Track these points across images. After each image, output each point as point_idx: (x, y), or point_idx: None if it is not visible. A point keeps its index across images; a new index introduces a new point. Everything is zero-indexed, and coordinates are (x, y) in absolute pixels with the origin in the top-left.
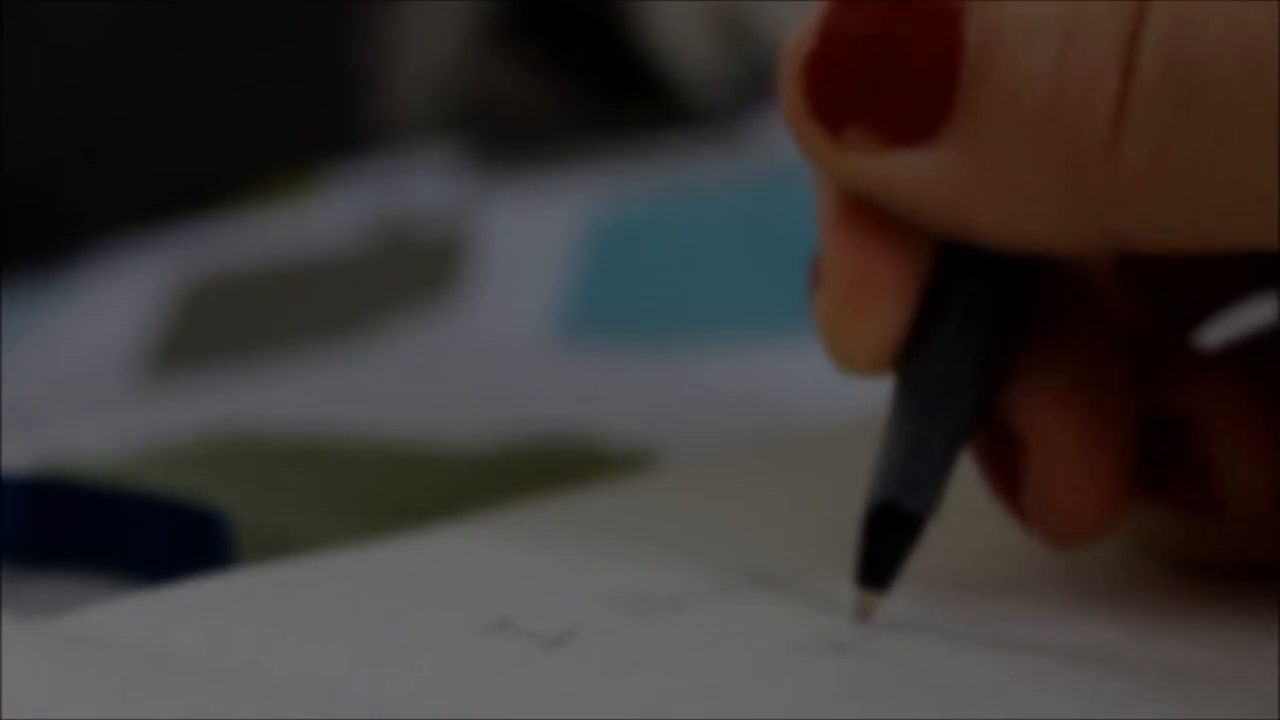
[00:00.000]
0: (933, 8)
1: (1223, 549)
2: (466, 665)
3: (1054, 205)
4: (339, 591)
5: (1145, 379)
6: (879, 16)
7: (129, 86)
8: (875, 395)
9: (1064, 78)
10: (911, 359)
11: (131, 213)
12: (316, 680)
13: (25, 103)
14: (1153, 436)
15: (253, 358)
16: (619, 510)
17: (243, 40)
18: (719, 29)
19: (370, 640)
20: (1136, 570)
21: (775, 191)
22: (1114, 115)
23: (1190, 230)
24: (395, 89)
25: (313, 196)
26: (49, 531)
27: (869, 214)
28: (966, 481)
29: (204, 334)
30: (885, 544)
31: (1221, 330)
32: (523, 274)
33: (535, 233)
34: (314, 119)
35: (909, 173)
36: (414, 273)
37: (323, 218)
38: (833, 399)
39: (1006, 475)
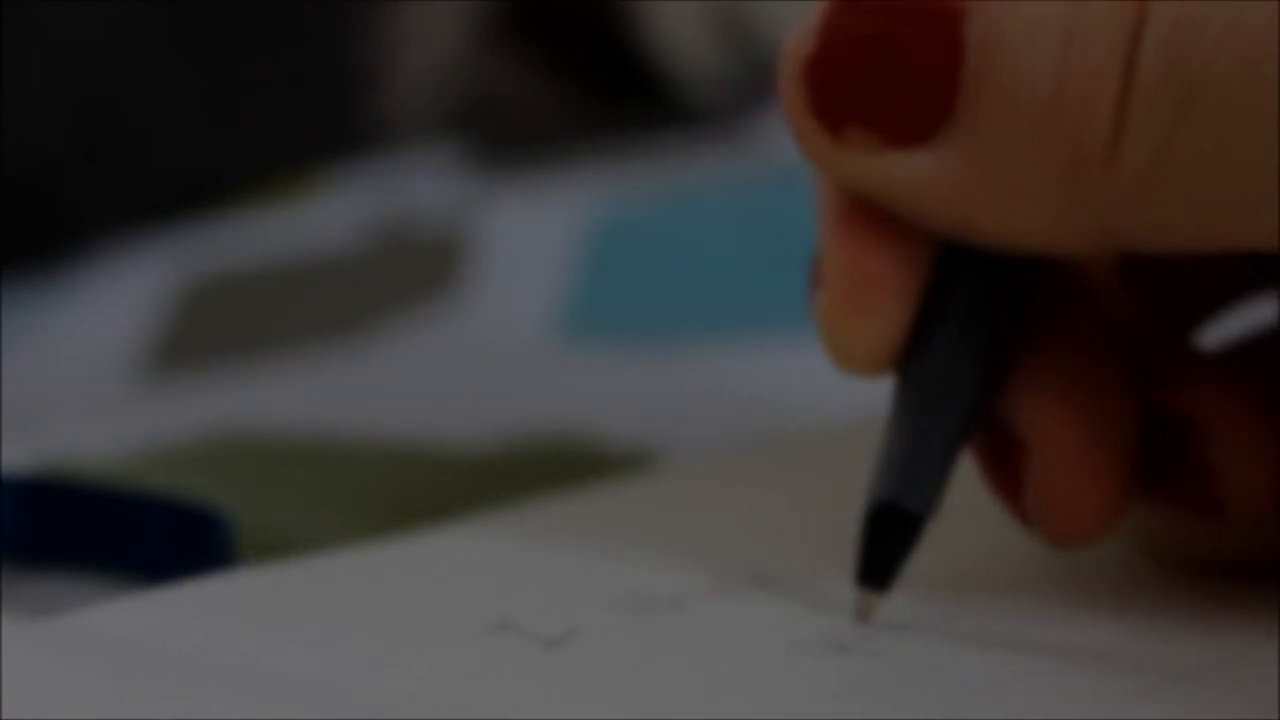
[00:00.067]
0: (933, 8)
1: (1223, 549)
2: (466, 665)
3: (1054, 206)
4: (339, 591)
5: (1145, 379)
6: (879, 17)
7: (129, 86)
8: (875, 395)
9: (1064, 78)
10: (912, 359)
11: (131, 213)
12: (316, 680)
13: (25, 103)
14: (1153, 437)
15: (253, 358)
16: (619, 510)
17: (243, 40)
18: (719, 29)
19: (370, 640)
20: (1136, 570)
21: (775, 191)
22: (1114, 116)
23: (1190, 230)
24: (395, 89)
25: (313, 196)
26: (49, 531)
27: (869, 214)
28: (966, 481)
29: (204, 334)
30: (885, 544)
31: (1222, 330)
32: (523, 274)
33: (535, 233)
34: (314, 119)
35: (909, 173)
36: (414, 273)
37: (323, 218)
38: (833, 399)
39: (1007, 475)
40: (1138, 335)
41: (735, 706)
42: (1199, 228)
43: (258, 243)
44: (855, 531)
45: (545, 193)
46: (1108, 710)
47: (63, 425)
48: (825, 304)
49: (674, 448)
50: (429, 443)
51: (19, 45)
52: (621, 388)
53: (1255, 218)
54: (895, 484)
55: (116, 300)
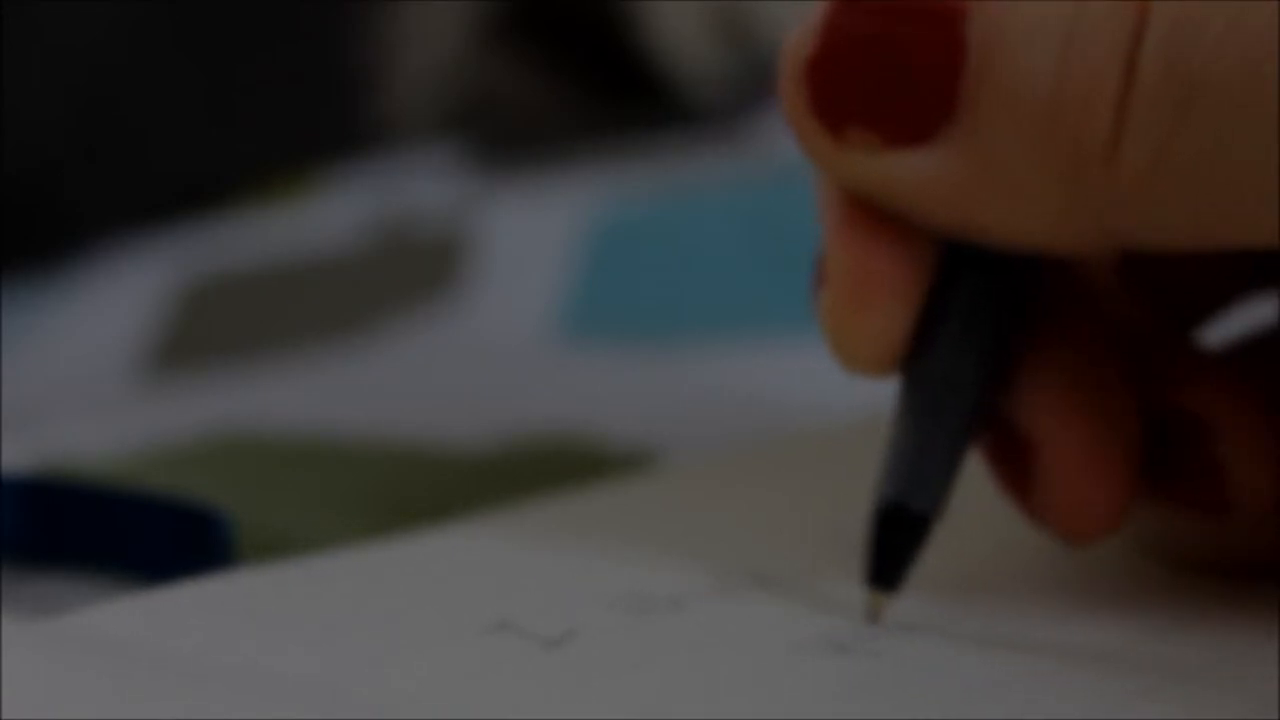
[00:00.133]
0: (934, 8)
1: (1226, 549)
2: (466, 665)
3: (1054, 205)
4: (339, 591)
5: (1148, 378)
6: (880, 17)
7: (129, 86)
8: (875, 395)
9: (1065, 78)
10: (915, 358)
11: (131, 213)
12: (316, 680)
13: (25, 103)
14: (1157, 436)
15: (253, 358)
16: (619, 510)
17: (243, 40)
18: (719, 29)
19: (370, 640)
20: (1138, 570)
21: (775, 191)
22: (1114, 116)
23: (1191, 229)
24: (395, 89)
25: (313, 196)
26: (49, 531)
27: (872, 214)
28: (968, 481)
29: (204, 334)
30: (893, 545)
31: (1222, 330)
32: (523, 274)
33: (535, 233)
34: (314, 119)
35: (910, 172)
36: (414, 273)
37: (323, 218)
38: (833, 399)
39: (1016, 474)
40: (1138, 334)
41: (735, 706)
42: (1199, 227)
43: (258, 243)
44: (856, 531)
45: (545, 193)
46: (1108, 710)
47: (63, 425)
48: (829, 304)
49: (674, 448)
50: (429, 443)
51: (19, 45)
52: (621, 388)
53: (1255, 217)
54: (902, 484)
55: (116, 300)
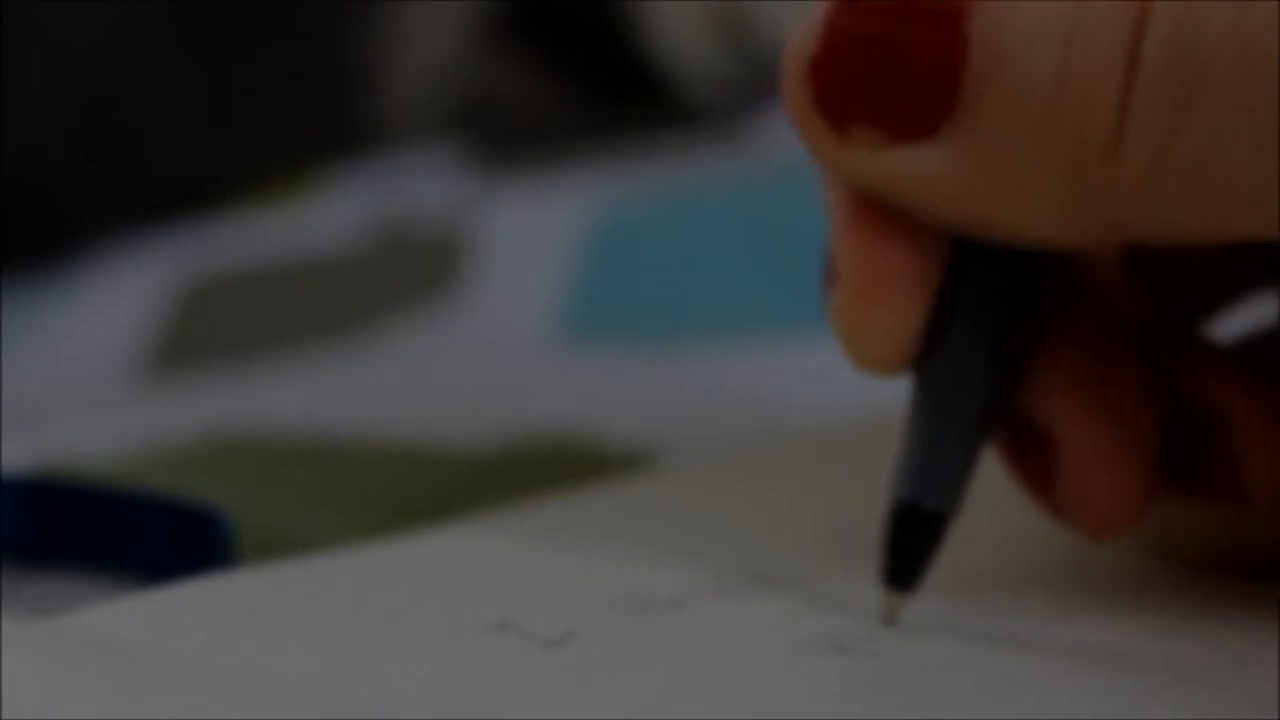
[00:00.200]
0: (936, 8)
1: (1245, 542)
2: (466, 665)
3: (1057, 201)
4: (339, 591)
5: (1161, 372)
6: (881, 17)
7: (129, 86)
8: (876, 395)
9: (1066, 77)
10: (926, 356)
11: (131, 213)
12: (316, 680)
13: (25, 103)
14: (1172, 430)
15: (253, 358)
16: (619, 510)
17: (243, 40)
18: (719, 29)
19: (370, 640)
20: (1149, 570)
21: (775, 191)
22: (1115, 115)
23: (1193, 225)
24: (395, 89)
25: (313, 196)
26: (49, 531)
27: (880, 212)
28: (973, 481)
29: (204, 334)
30: (909, 544)
31: (1222, 329)
32: (523, 274)
33: (535, 233)
34: (314, 119)
35: (914, 169)
36: (414, 273)
37: (323, 218)
38: (833, 399)
39: (1034, 470)
40: (1146, 329)
41: (735, 706)
42: (1201, 222)
43: (258, 243)
44: (856, 531)
45: (545, 193)
46: (1120, 710)
47: (63, 425)
48: (840, 303)
49: (674, 448)
50: (429, 443)
51: (19, 45)
52: (621, 388)
53: (1257, 214)
54: (916, 484)
55: (116, 300)
